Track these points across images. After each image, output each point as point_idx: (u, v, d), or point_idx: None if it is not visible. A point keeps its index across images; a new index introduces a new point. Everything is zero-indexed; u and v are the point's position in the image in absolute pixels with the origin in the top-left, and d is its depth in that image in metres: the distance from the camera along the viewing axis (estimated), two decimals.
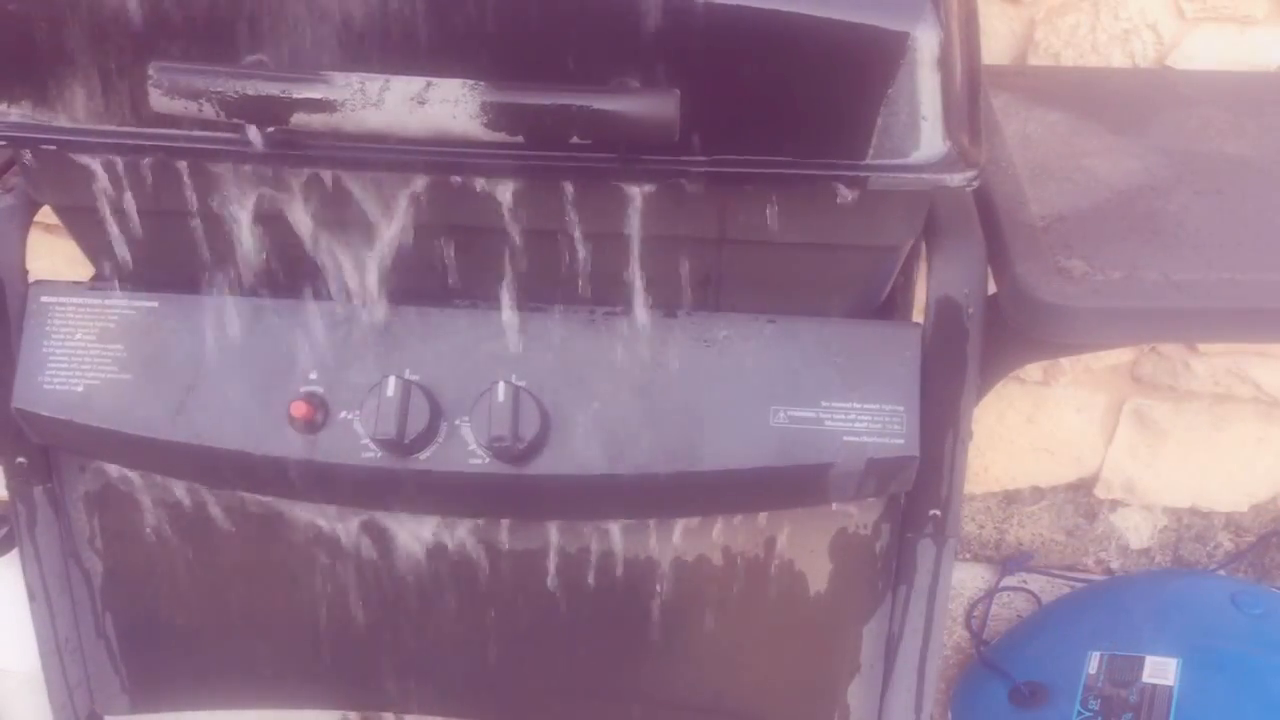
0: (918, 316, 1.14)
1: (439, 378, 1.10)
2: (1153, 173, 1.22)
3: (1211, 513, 2.08)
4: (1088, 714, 1.70)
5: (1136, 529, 2.11)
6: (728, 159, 0.99)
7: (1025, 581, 2.13)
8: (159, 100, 0.94)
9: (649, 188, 1.02)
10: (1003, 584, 2.12)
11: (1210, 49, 1.62)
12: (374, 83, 0.91)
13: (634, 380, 1.10)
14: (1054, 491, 2.09)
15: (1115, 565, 2.15)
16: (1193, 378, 1.90)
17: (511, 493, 1.13)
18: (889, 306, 1.19)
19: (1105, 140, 1.28)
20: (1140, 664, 1.73)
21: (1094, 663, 1.76)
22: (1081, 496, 2.09)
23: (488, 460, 1.09)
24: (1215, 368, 1.88)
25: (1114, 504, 2.09)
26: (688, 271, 1.09)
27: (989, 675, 1.87)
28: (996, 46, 1.65)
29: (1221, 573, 2.12)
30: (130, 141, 1.02)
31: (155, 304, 1.14)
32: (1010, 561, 2.14)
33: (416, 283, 1.11)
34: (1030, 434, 2.00)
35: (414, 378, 1.10)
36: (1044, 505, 2.11)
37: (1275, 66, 1.62)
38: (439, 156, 0.99)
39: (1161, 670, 1.72)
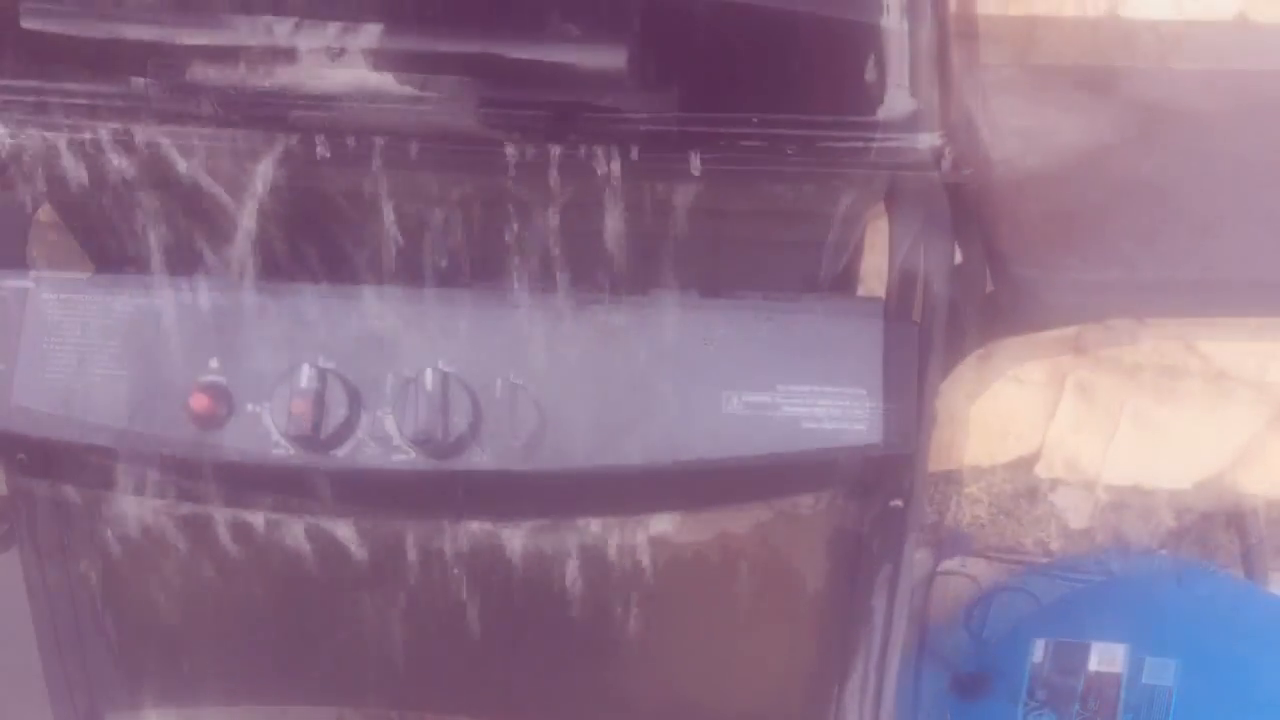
0: (864, 290, 1.13)
1: (357, 365, 1.04)
2: (1123, 131, 1.19)
3: (1155, 490, 2.08)
4: (1035, 705, 1.68)
5: (1077, 508, 2.11)
6: (677, 118, 0.95)
7: (964, 565, 2.11)
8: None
9: (590, 151, 0.96)
10: (941, 568, 2.09)
11: None
12: (282, 28, 0.86)
13: (572, 366, 1.05)
14: (993, 471, 2.08)
15: (1055, 546, 2.14)
16: (1138, 350, 1.90)
17: (439, 490, 1.08)
18: (843, 279, 1.16)
19: (1072, 96, 1.26)
20: (1086, 651, 1.70)
21: (1039, 651, 1.74)
22: (1022, 475, 2.08)
23: (413, 455, 1.04)
24: (1162, 340, 1.88)
25: (1055, 483, 2.09)
26: (631, 245, 1.04)
27: (930, 665, 1.83)
28: None
29: (1164, 552, 2.11)
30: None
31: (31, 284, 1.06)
32: (948, 544, 2.12)
33: (330, 259, 1.05)
34: (969, 411, 1.97)
35: (329, 365, 1.03)
36: (983, 485, 2.10)
37: (1231, 16, 1.58)
38: (355, 114, 0.93)
39: (1108, 657, 1.69)
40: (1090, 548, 2.12)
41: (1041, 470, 2.06)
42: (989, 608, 1.94)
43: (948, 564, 2.09)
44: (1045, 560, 2.11)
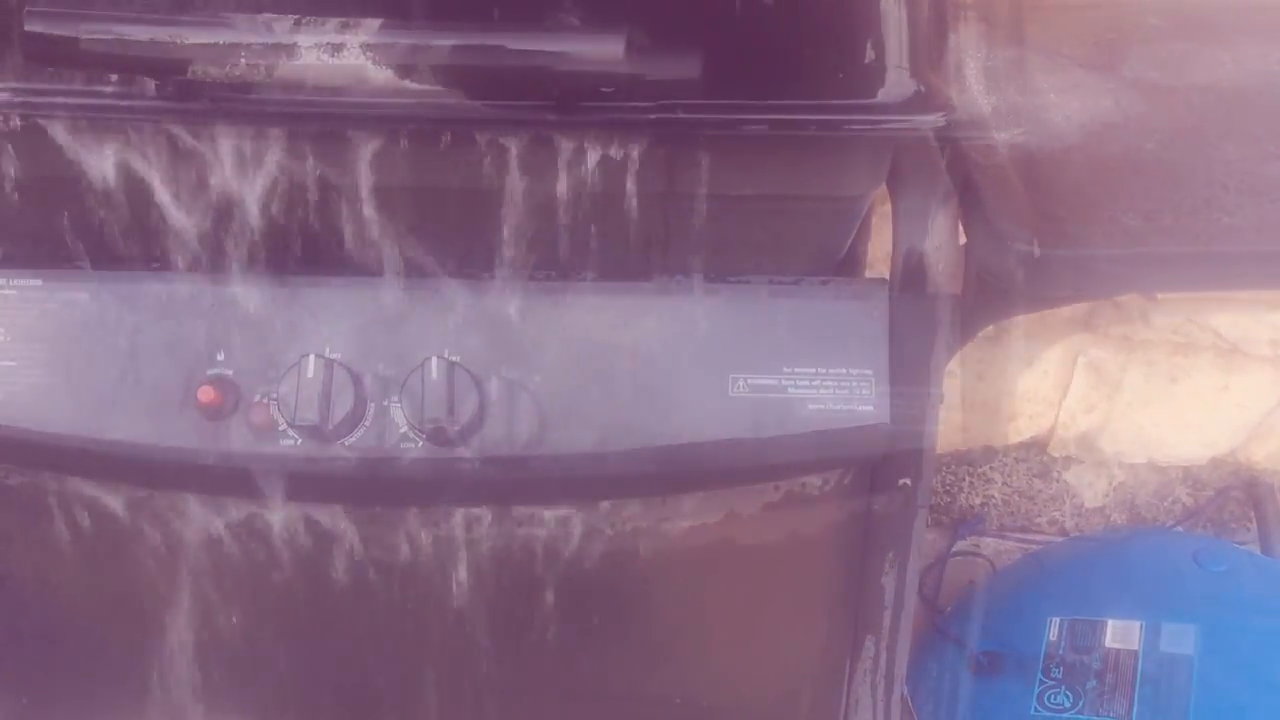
0: (871, 272, 1.11)
1: (363, 355, 1.04)
2: (1126, 109, 1.18)
3: (1169, 467, 2.06)
4: (1051, 683, 1.66)
5: (1091, 486, 2.09)
6: (678, 104, 0.93)
7: (978, 546, 2.10)
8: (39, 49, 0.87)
9: (592, 139, 0.96)
10: (955, 548, 2.09)
11: None
12: (282, 25, 0.85)
13: (578, 352, 1.05)
14: (1006, 450, 2.06)
15: (1070, 525, 2.12)
16: (1149, 327, 1.87)
17: (448, 478, 1.06)
18: (849, 262, 1.14)
19: (1073, 76, 1.24)
20: (1102, 628, 1.69)
21: (1054, 629, 1.72)
22: (1035, 455, 2.06)
23: (421, 444, 1.03)
24: (1174, 316, 1.85)
25: (1068, 461, 2.06)
26: (635, 231, 1.03)
27: (945, 645, 1.81)
28: None
29: (1180, 529, 2.09)
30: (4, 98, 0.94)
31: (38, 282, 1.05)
32: (962, 525, 2.10)
33: (334, 250, 1.03)
34: (981, 391, 1.96)
35: (335, 356, 1.03)
36: (995, 465, 2.08)
37: None
38: (357, 108, 0.92)
39: (1125, 635, 1.67)
40: (1105, 526, 2.11)
41: (1054, 449, 2.03)
42: (1002, 587, 1.94)
43: (962, 544, 2.09)
44: (1060, 539, 2.11)
